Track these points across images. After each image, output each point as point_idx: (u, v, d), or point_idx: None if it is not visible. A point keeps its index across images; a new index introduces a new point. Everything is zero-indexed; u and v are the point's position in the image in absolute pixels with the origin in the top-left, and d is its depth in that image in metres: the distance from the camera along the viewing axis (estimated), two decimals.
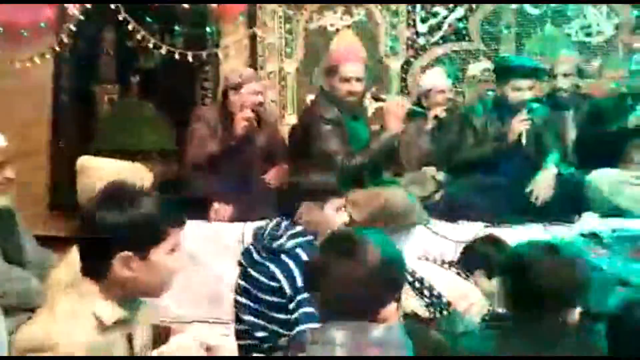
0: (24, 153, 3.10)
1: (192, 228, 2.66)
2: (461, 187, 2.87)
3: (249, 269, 1.76)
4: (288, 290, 1.65)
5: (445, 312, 1.98)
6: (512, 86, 2.82)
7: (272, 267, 1.70)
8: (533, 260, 1.37)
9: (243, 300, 1.76)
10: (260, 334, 1.71)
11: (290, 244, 1.71)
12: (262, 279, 1.71)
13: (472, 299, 2.06)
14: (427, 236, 2.68)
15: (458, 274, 2.14)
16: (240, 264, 1.82)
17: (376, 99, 2.88)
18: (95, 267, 1.19)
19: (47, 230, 3.10)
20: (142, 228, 1.17)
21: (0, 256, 1.93)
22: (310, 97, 3.49)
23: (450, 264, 2.20)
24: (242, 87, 2.88)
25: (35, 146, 3.41)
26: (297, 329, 1.60)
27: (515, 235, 2.65)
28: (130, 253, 1.17)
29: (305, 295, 1.59)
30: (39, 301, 1.78)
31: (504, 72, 2.90)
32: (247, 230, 2.56)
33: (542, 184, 2.73)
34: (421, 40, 3.52)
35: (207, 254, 2.71)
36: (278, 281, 1.68)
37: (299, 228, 1.74)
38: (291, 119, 3.49)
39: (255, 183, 2.89)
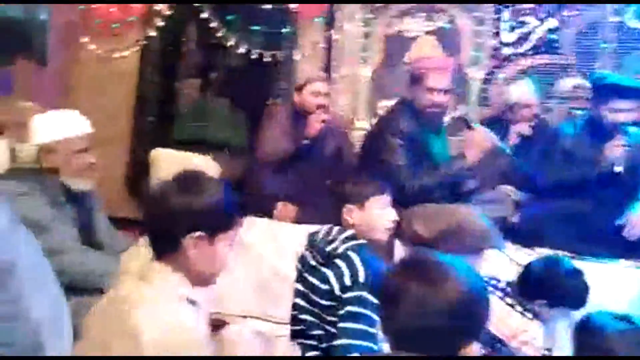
0: (107, 140, 3.26)
1: (256, 224, 2.65)
2: (542, 211, 2.64)
3: (305, 274, 1.81)
4: (337, 291, 1.67)
5: (499, 348, 1.83)
6: (609, 107, 2.55)
7: (327, 271, 1.74)
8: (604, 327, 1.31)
9: (300, 302, 1.81)
10: (316, 332, 1.75)
11: (342, 248, 1.73)
12: (317, 282, 1.75)
13: (526, 336, 1.89)
14: (499, 261, 2.47)
15: (512, 305, 1.96)
16: (296, 268, 1.87)
17: (467, 124, 2.67)
18: (166, 247, 1.23)
19: (125, 213, 3.22)
20: (215, 213, 1.22)
21: (76, 238, 2.02)
22: (383, 104, 3.36)
23: (505, 291, 2.02)
24: (304, 88, 2.81)
25: (119, 134, 3.52)
26: (340, 325, 1.61)
27: (598, 269, 2.43)
28: (203, 233, 1.21)
29: (353, 294, 1.61)
30: (107, 284, 1.84)
31: (602, 90, 2.64)
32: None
33: (638, 218, 2.45)
34: (506, 51, 3.31)
35: (267, 252, 2.64)
36: (330, 284, 1.71)
37: (350, 232, 1.76)
38: (362, 124, 3.37)
39: (322, 187, 2.80)
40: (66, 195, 2.04)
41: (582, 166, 2.60)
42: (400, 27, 3.38)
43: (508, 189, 2.80)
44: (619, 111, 2.55)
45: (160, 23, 3.45)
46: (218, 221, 1.24)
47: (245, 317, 2.58)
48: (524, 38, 3.28)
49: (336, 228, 1.79)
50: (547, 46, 3.26)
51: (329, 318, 1.70)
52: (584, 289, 1.94)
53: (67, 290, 1.87)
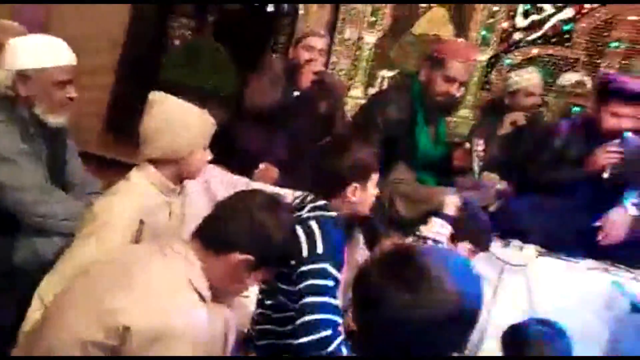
0: (91, 72, 3.15)
1: (233, 183, 2.60)
2: (524, 205, 2.62)
3: None
4: (305, 251, 1.54)
5: None
6: (610, 110, 2.46)
7: (298, 232, 1.59)
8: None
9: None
10: (269, 302, 1.66)
11: (306, 216, 1.61)
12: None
13: None
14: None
15: None
16: None
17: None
18: None
19: (101, 151, 3.17)
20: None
21: (42, 176, 1.90)
22: (384, 74, 3.29)
23: None
24: (300, 42, 2.72)
25: (104, 67, 3.41)
26: (302, 301, 1.50)
27: (570, 268, 2.45)
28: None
29: (312, 266, 1.51)
30: (70, 228, 1.76)
31: (605, 91, 2.56)
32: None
33: (615, 224, 2.44)
34: (517, 36, 3.22)
35: None
36: (300, 241, 1.56)
37: (321, 202, 1.64)
38: (357, 93, 3.30)
39: (308, 151, 2.75)
40: (39, 129, 1.88)
41: (570, 166, 2.56)
42: None
43: (492, 177, 2.77)
44: (620, 116, 2.45)
45: None
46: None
47: None
48: (537, 25, 3.19)
49: (309, 197, 1.70)
50: (558, 37, 3.17)
51: (283, 286, 1.60)
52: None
53: (28, 231, 1.84)
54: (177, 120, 1.65)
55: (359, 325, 0.96)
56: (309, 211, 1.63)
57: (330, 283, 1.51)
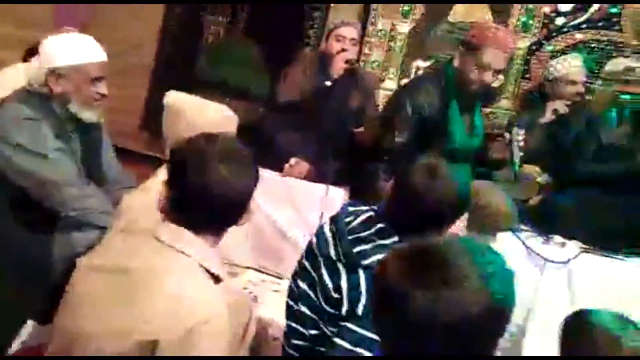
0: (128, 71, 3.23)
1: (264, 178, 2.58)
2: (567, 199, 2.49)
3: (321, 262, 1.51)
4: (345, 309, 1.40)
5: None
6: None
7: (343, 279, 1.43)
8: None
9: (303, 286, 1.54)
10: (312, 332, 1.49)
11: (374, 258, 1.39)
12: (328, 282, 1.46)
13: None
14: (512, 247, 2.37)
15: None
16: (311, 244, 1.58)
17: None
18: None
19: (138, 148, 3.24)
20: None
21: (78, 171, 1.94)
22: (418, 64, 3.20)
23: None
24: (331, 33, 2.67)
25: (141, 65, 3.46)
26: (336, 341, 1.38)
27: (615, 265, 2.32)
28: None
29: (354, 327, 1.36)
30: (107, 222, 1.80)
31: None
32: (332, 195, 2.42)
33: None
34: (559, 21, 3.06)
35: (274, 208, 2.60)
36: (340, 294, 1.42)
37: (390, 240, 1.40)
38: (390, 84, 3.22)
39: (342, 143, 2.70)
40: (73, 125, 1.94)
41: (618, 159, 2.42)
42: None
43: (533, 169, 2.65)
44: None
45: None
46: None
47: (247, 268, 2.57)
48: (581, 9, 3.03)
49: (379, 225, 1.43)
50: (604, 21, 3.00)
51: (328, 326, 1.44)
52: None
53: (66, 225, 1.89)
54: (194, 117, 1.65)
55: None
56: (375, 250, 1.39)
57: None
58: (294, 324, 1.57)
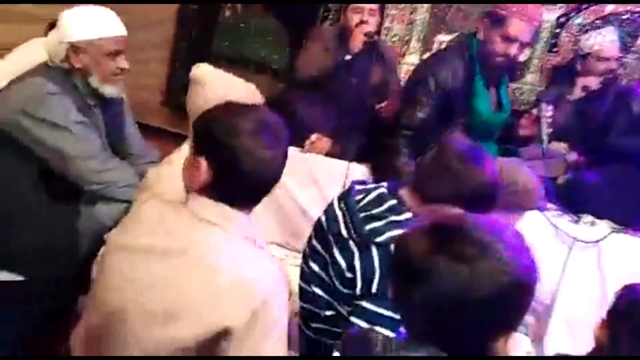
0: (148, 46, 3.18)
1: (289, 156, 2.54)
2: (597, 176, 2.41)
3: (330, 237, 1.48)
4: (358, 290, 1.38)
5: None
6: None
7: (356, 257, 1.40)
8: None
9: (315, 267, 1.52)
10: (327, 313, 1.47)
11: (387, 235, 1.36)
12: (341, 261, 1.43)
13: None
14: (540, 225, 2.29)
15: None
16: (320, 222, 1.54)
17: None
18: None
19: (159, 123, 3.22)
20: None
21: (101, 145, 1.95)
22: (441, 38, 3.10)
23: None
24: (350, 4, 2.58)
25: (162, 40, 3.43)
26: (352, 320, 1.36)
27: None
28: None
29: (373, 306, 1.35)
30: (130, 196, 1.81)
31: None
32: (354, 171, 2.37)
33: None
34: None
35: (296, 184, 2.54)
36: (354, 273, 1.39)
37: (404, 216, 1.38)
38: (412, 59, 3.12)
39: (363, 119, 2.63)
40: (95, 99, 1.94)
41: None
42: None
43: (562, 146, 2.56)
44: None
45: None
46: None
47: (271, 242, 2.55)
48: None
49: (391, 202, 1.41)
50: None
51: (343, 302, 1.43)
52: None
53: (91, 198, 1.91)
54: (220, 92, 1.61)
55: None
56: (388, 227, 1.37)
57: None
58: (308, 306, 1.54)
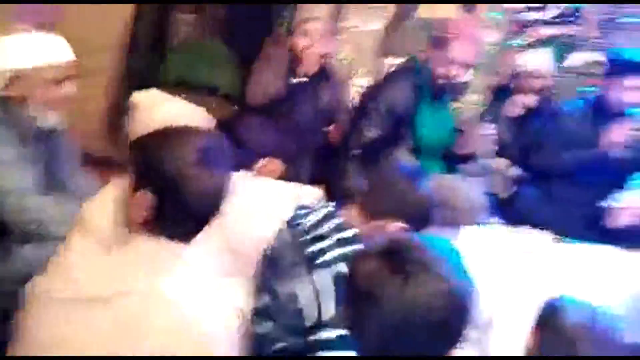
0: (93, 71, 3.15)
1: (235, 179, 2.57)
2: (535, 191, 2.55)
3: (281, 265, 1.45)
4: (311, 314, 1.34)
5: None
6: (624, 85, 2.40)
7: (306, 280, 1.37)
8: None
9: (266, 298, 1.46)
10: (277, 346, 1.41)
11: (333, 253, 1.36)
12: (291, 290, 1.39)
13: None
14: (482, 239, 2.41)
15: None
16: (270, 255, 1.52)
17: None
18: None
19: (101, 152, 3.17)
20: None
21: (38, 180, 1.83)
22: (390, 61, 3.22)
23: None
24: (299, 28, 2.66)
25: (107, 67, 3.40)
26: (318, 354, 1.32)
27: (586, 254, 2.37)
28: None
29: (328, 335, 1.32)
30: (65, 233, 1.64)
31: (616, 67, 2.47)
32: (307, 194, 2.42)
33: (628, 206, 2.35)
34: (527, 16, 3.12)
35: (246, 210, 2.59)
36: (306, 299, 1.36)
37: (349, 233, 1.39)
38: (362, 81, 3.24)
39: (314, 142, 2.72)
40: (34, 130, 1.82)
41: (581, 147, 2.48)
42: None
43: (503, 162, 2.70)
44: (630, 90, 2.40)
45: None
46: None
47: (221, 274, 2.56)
48: (547, 4, 3.09)
49: (335, 220, 1.42)
50: (568, 15, 3.06)
51: (293, 334, 1.37)
52: None
53: (23, 238, 1.75)
54: (162, 117, 1.61)
55: (355, 328, 0.94)
56: (334, 246, 1.36)
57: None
58: (260, 337, 1.48)
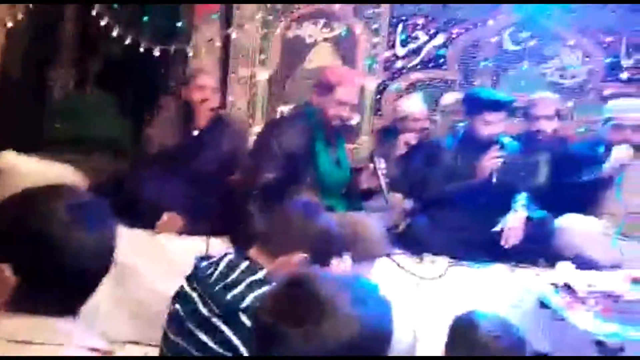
0: None
1: (136, 238, 2.44)
2: (427, 220, 2.76)
3: (190, 324, 1.38)
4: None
5: None
6: (483, 120, 2.74)
7: (227, 332, 1.33)
8: None
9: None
10: None
11: (251, 297, 1.33)
12: (212, 344, 1.34)
13: None
14: (389, 270, 2.54)
15: None
16: (173, 311, 1.44)
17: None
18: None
19: None
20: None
21: None
22: (282, 109, 3.33)
23: None
24: (190, 81, 2.69)
25: None
26: None
27: (480, 275, 2.60)
28: None
29: None
30: None
31: (475, 104, 2.82)
32: (213, 246, 2.36)
33: (513, 227, 2.65)
34: (399, 64, 3.44)
35: (151, 270, 2.46)
36: (234, 348, 1.31)
37: (260, 274, 1.39)
38: (257, 129, 3.30)
39: (216, 192, 2.68)
40: None
41: (461, 177, 2.75)
42: (299, 32, 3.37)
43: (398, 196, 2.89)
44: (490, 123, 2.73)
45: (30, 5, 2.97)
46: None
47: (124, 342, 2.37)
48: (414, 52, 3.43)
49: (242, 265, 1.40)
50: (435, 62, 3.44)
51: None
52: None
53: None
54: (32, 177, 1.45)
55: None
56: (247, 290, 1.34)
57: None
58: None
